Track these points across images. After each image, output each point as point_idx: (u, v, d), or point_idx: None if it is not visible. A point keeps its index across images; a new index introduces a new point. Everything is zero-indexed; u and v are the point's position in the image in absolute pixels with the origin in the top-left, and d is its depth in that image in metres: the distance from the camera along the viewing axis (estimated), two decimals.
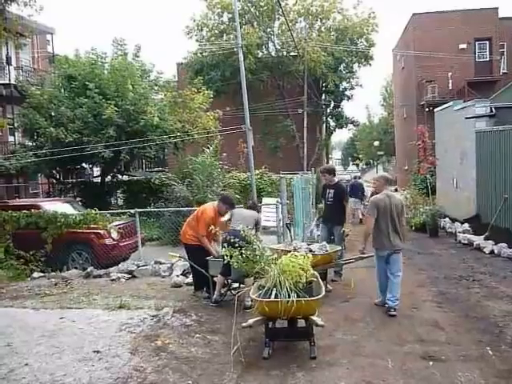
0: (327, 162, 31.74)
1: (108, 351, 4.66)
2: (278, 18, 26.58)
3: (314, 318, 4.70)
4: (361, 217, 16.01)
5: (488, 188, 11.78)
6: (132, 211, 10.13)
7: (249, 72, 21.61)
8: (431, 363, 4.54)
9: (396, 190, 25.92)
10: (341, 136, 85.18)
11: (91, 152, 14.45)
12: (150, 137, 14.88)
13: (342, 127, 30.91)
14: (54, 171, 17.75)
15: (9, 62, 18.73)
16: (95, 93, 15.00)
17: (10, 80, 18.60)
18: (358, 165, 75.25)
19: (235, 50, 17.84)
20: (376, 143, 50.78)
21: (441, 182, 16.62)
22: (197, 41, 27.29)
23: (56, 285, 7.95)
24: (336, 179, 8.58)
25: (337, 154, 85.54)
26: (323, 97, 29.05)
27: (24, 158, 15.20)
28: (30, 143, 16.87)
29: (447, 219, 14.03)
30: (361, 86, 29.31)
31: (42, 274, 8.87)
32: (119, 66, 16.09)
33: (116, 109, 14.80)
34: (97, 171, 21.41)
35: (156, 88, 17.99)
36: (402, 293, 6.33)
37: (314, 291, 4.84)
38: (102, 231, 9.79)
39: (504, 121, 11.71)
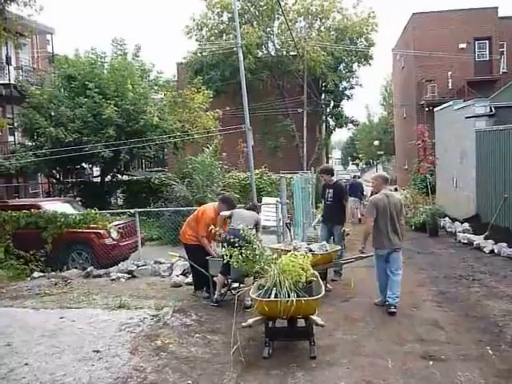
0: (327, 162, 31.72)
1: (108, 351, 4.66)
2: (278, 18, 26.55)
3: (314, 317, 4.70)
4: (359, 216, 16.01)
5: (488, 187, 11.78)
6: (132, 211, 10.13)
7: (248, 72, 21.59)
8: (431, 363, 4.55)
9: (396, 190, 25.97)
10: (340, 135, 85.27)
11: (91, 152, 14.45)
12: (150, 137, 14.89)
13: (341, 127, 30.85)
14: (53, 171, 17.76)
15: (9, 62, 18.74)
16: (95, 92, 15.01)
17: (9, 80, 18.62)
18: (357, 164, 75.21)
19: (235, 49, 17.80)
20: (376, 143, 50.76)
21: (441, 182, 16.62)
22: (196, 40, 27.27)
23: (56, 284, 7.95)
24: (334, 179, 8.59)
25: (336, 154, 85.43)
26: (323, 96, 29.01)
27: (24, 158, 15.20)
28: (30, 143, 16.87)
29: (447, 219, 14.03)
30: (360, 85, 29.29)
31: (41, 274, 8.87)
32: (119, 66, 16.10)
33: (116, 109, 14.81)
34: (96, 171, 21.42)
35: (156, 88, 17.98)
36: (402, 292, 6.34)
37: (313, 291, 4.84)
38: (101, 231, 9.79)
39: (504, 120, 11.70)
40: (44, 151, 14.49)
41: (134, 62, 17.16)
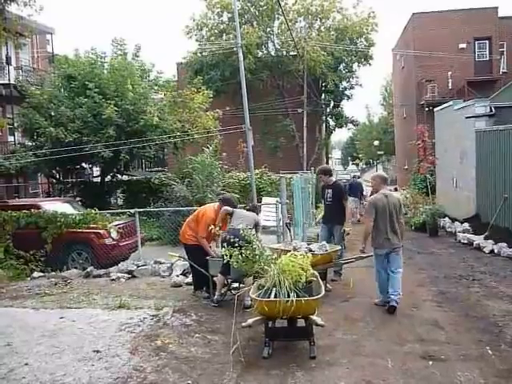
0: (327, 162, 31.72)
1: (108, 351, 4.66)
2: (278, 18, 26.53)
3: (314, 317, 4.71)
4: (359, 217, 16.00)
5: (488, 187, 11.79)
6: (132, 211, 10.13)
7: (248, 72, 21.58)
8: (431, 363, 4.55)
9: (396, 190, 25.96)
10: (340, 135, 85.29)
11: (91, 152, 14.45)
12: (150, 137, 14.88)
13: (341, 127, 30.84)
14: (53, 171, 17.76)
15: (8, 62, 18.73)
16: (95, 92, 15.00)
17: (9, 80, 18.61)
18: (357, 164, 75.23)
19: (235, 49, 17.80)
20: (376, 143, 50.76)
21: (441, 182, 16.63)
22: (196, 40, 27.26)
23: (56, 284, 7.95)
24: (333, 179, 8.58)
25: (336, 154, 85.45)
26: (323, 96, 28.99)
27: (24, 158, 15.20)
28: (30, 143, 16.86)
29: (447, 219, 14.03)
30: (360, 85, 29.26)
31: (41, 274, 8.87)
32: (119, 66, 16.09)
33: (116, 108, 14.80)
34: (96, 171, 21.39)
35: (156, 88, 17.97)
36: (402, 292, 6.33)
37: (313, 291, 4.84)
38: (101, 231, 9.78)
39: (504, 120, 11.71)
40: (44, 151, 14.49)
41: (133, 62, 17.16)
